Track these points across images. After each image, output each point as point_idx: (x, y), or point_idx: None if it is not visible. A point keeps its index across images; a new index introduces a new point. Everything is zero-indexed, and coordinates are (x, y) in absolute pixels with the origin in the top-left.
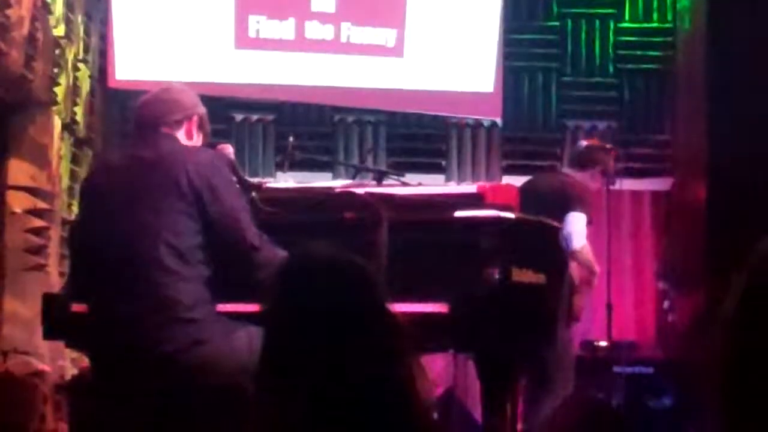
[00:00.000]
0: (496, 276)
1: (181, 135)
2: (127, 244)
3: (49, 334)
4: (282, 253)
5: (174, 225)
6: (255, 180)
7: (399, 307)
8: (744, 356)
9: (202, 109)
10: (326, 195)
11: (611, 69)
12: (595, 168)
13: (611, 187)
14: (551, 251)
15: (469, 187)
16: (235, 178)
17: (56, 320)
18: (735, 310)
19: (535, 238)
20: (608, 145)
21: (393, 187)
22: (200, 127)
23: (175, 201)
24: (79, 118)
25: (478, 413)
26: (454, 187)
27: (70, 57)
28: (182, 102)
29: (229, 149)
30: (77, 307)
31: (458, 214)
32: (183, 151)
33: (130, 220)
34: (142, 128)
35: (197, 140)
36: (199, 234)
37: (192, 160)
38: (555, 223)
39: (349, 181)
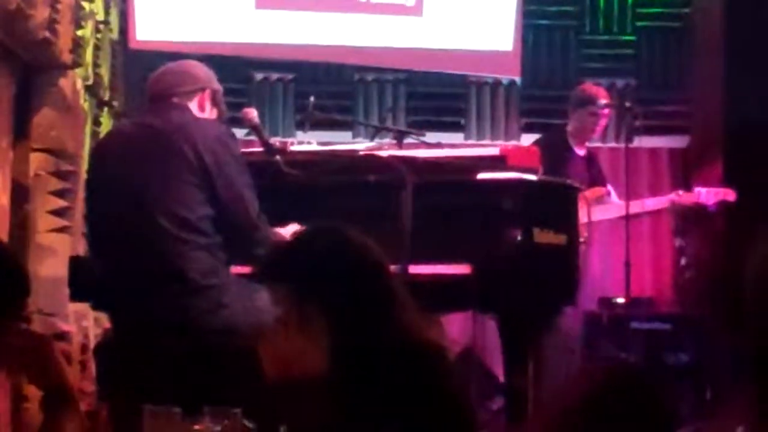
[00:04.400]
0: (519, 237)
1: (193, 106)
2: (137, 216)
3: (75, 296)
4: (275, 233)
5: (183, 197)
6: (278, 142)
7: (423, 269)
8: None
9: (216, 85)
10: (350, 158)
11: (630, 27)
12: (577, 110)
13: (629, 145)
14: (572, 212)
15: (491, 150)
16: (260, 140)
17: (82, 283)
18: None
19: (556, 200)
20: (627, 104)
21: (415, 149)
22: (214, 102)
23: (184, 173)
24: (101, 80)
25: (497, 370)
26: (476, 150)
27: (92, 19)
28: (194, 74)
29: (253, 113)
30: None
31: (481, 176)
32: (193, 123)
33: (140, 191)
34: (153, 100)
35: (210, 114)
36: (207, 205)
37: (201, 134)
38: (576, 184)
39: (371, 143)
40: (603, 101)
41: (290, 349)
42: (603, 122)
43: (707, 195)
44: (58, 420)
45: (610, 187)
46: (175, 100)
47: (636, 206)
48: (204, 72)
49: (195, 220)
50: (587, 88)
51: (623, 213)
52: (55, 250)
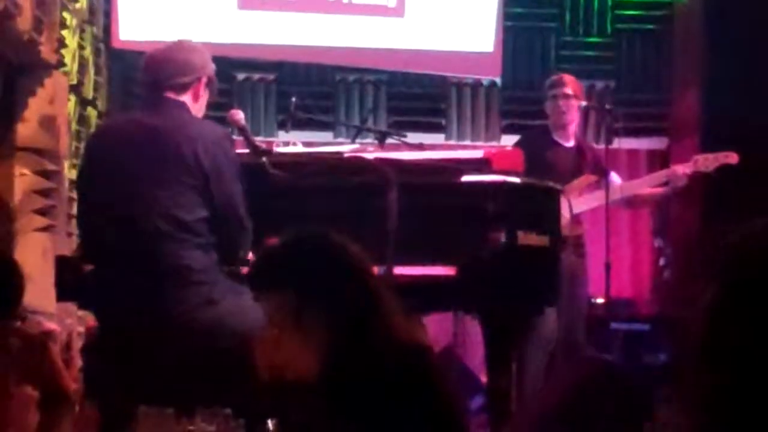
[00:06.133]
0: (502, 239)
1: (187, 98)
2: (134, 216)
3: (62, 296)
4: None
5: (180, 199)
6: (263, 143)
7: (408, 270)
8: (721, 348)
9: (211, 69)
10: (336, 159)
11: (609, 28)
12: (545, 101)
13: (609, 146)
14: (554, 214)
15: (476, 152)
16: (247, 142)
17: (70, 282)
18: (713, 302)
19: (540, 202)
20: (607, 105)
21: (397, 149)
22: (207, 86)
23: (182, 176)
24: (85, 79)
25: (477, 369)
26: (461, 152)
27: (76, 18)
28: (192, 63)
29: (240, 115)
30: (90, 269)
31: (465, 178)
32: (191, 125)
33: (137, 192)
34: (148, 88)
35: (203, 101)
36: (203, 208)
37: (200, 136)
38: (558, 187)
39: (353, 143)
40: (557, 84)
41: (282, 355)
42: (563, 104)
43: (706, 161)
44: (55, 419)
45: (614, 174)
46: (171, 94)
47: (631, 187)
48: (200, 58)
49: (191, 222)
50: (553, 77)
51: (618, 197)
52: (40, 249)
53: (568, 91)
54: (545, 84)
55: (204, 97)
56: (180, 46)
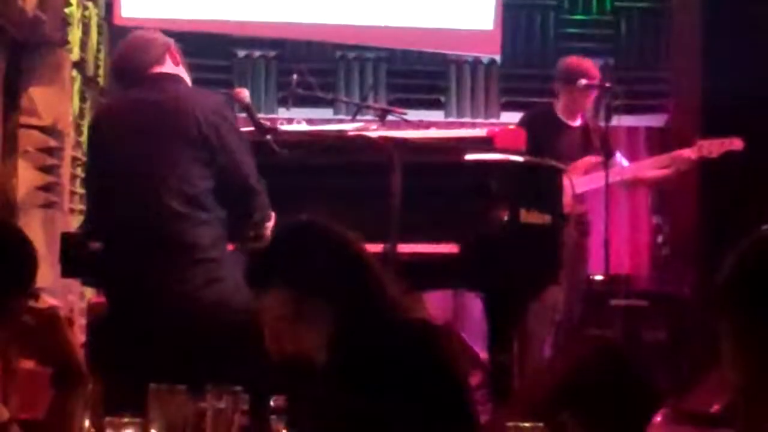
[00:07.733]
0: (505, 217)
1: (171, 66)
2: (139, 193)
3: (67, 272)
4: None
5: (185, 172)
6: (267, 121)
7: (412, 248)
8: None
9: (170, 40)
10: (341, 138)
11: (608, 6)
12: (567, 86)
13: (609, 124)
14: (557, 192)
15: (479, 131)
16: (251, 120)
17: (74, 259)
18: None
19: (542, 180)
20: (607, 83)
21: (399, 127)
22: (177, 52)
23: (186, 148)
24: (88, 56)
25: (477, 346)
26: (463, 131)
27: None
28: (154, 39)
29: (244, 93)
30: (94, 246)
31: (469, 157)
32: (190, 95)
33: (141, 168)
34: (132, 74)
35: (183, 64)
36: (209, 179)
37: (200, 106)
38: (561, 165)
39: (354, 121)
40: (594, 76)
41: (288, 344)
42: (594, 95)
43: (711, 146)
44: (69, 395)
45: (620, 155)
46: (156, 68)
47: (634, 169)
48: (156, 34)
49: (198, 195)
50: (576, 63)
51: (620, 178)
52: (42, 226)
53: (595, 82)
54: (568, 69)
55: (182, 60)
56: (133, 35)
